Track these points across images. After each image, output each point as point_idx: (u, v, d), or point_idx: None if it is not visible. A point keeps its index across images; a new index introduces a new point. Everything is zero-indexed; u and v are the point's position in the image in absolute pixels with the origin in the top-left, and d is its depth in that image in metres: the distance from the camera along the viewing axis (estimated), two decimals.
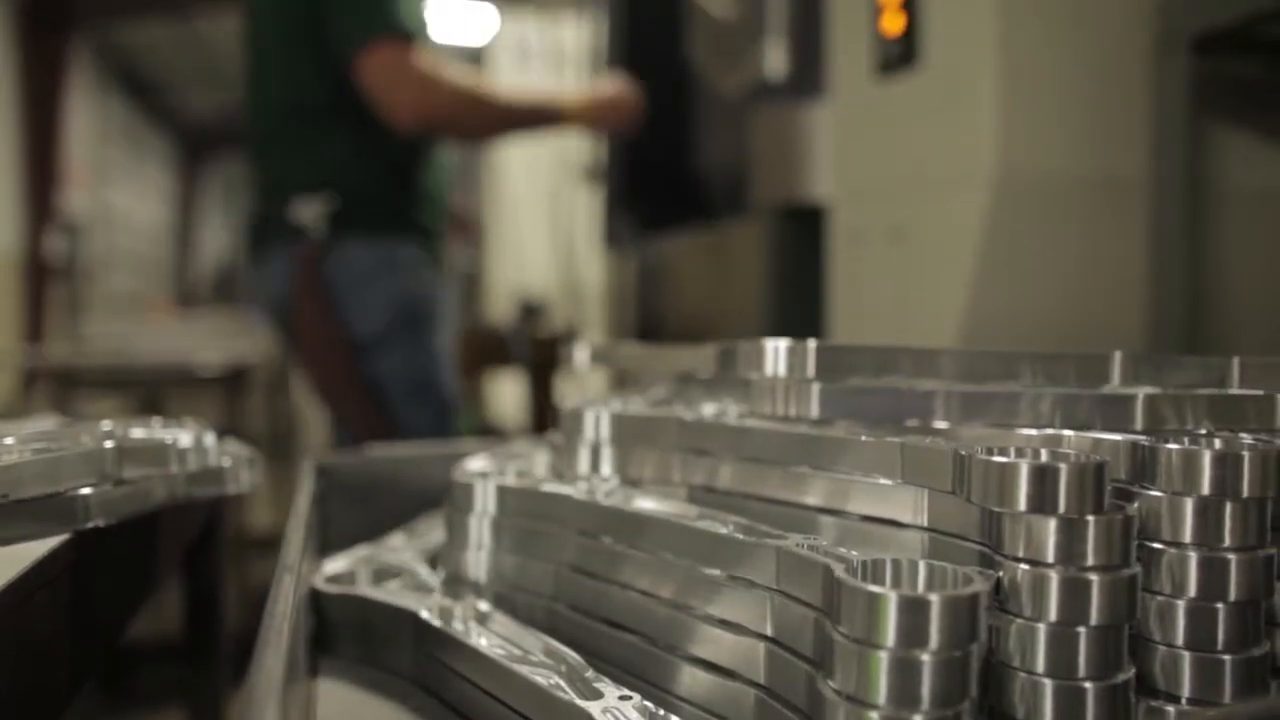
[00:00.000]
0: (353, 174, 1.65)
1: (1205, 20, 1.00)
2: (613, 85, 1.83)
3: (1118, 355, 0.53)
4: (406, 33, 1.56)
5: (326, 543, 0.72)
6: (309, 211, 1.60)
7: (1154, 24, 1.08)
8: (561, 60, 3.28)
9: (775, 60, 1.70)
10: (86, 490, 0.54)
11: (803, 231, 1.62)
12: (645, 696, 0.42)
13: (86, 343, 3.63)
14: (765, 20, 1.70)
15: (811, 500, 0.48)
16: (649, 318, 2.23)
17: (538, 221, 3.10)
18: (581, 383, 2.76)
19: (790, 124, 1.66)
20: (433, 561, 0.65)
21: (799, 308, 1.64)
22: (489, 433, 3.64)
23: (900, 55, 1.23)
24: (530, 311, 3.02)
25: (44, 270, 7.60)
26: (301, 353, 1.70)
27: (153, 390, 3.16)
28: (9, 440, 0.59)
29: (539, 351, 2.74)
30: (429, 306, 1.68)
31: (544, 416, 2.88)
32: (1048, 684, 0.36)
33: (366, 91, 1.58)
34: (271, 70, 1.68)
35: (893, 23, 1.25)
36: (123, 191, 10.59)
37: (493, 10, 3.97)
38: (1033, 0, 1.12)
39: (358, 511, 0.77)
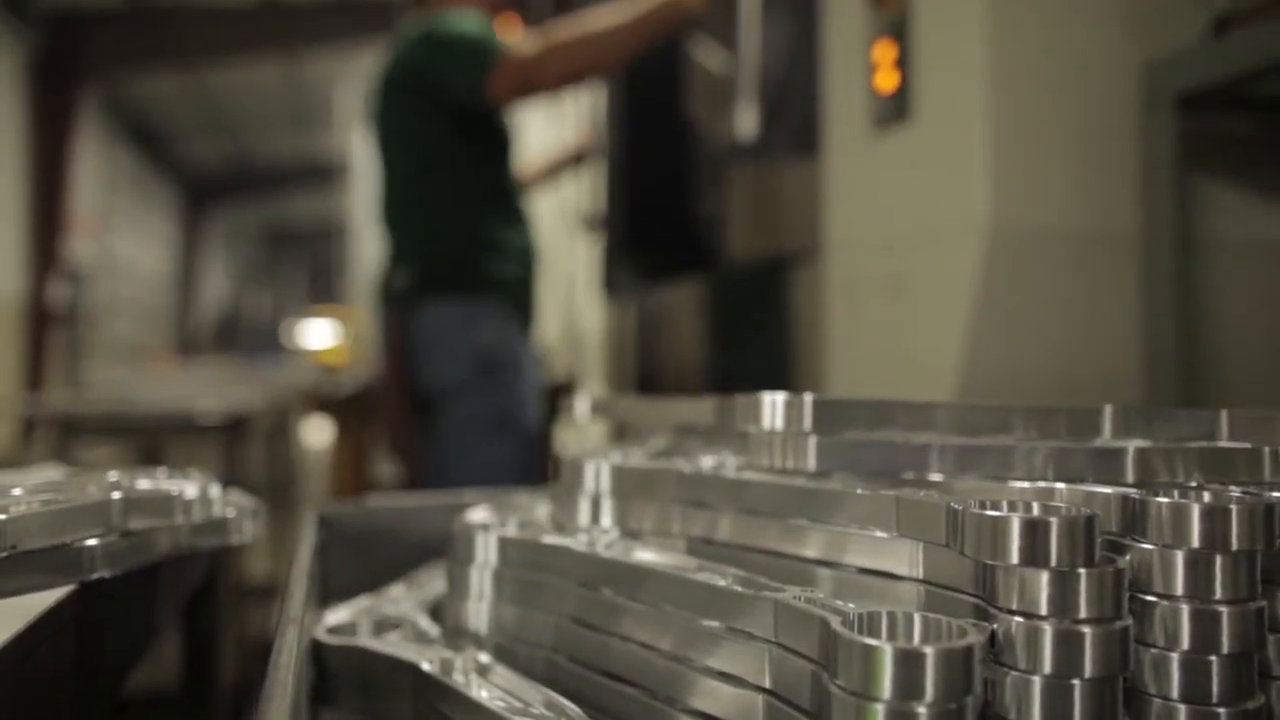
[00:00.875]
0: (436, 242, 1.90)
1: (1189, 80, 1.03)
2: None
3: (1108, 409, 0.54)
4: (503, 49, 1.77)
5: (328, 592, 0.73)
6: (400, 279, 1.88)
7: (1140, 82, 1.11)
8: (561, 116, 3.34)
9: (746, 123, 1.79)
10: (93, 541, 0.55)
11: (765, 284, 1.68)
12: None
13: (87, 390, 3.64)
14: (739, 83, 1.76)
15: (809, 552, 0.48)
16: (648, 366, 2.24)
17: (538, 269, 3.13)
18: (582, 432, 2.76)
19: (759, 182, 1.75)
20: (434, 613, 0.65)
21: (753, 358, 1.69)
22: None
23: (894, 112, 1.26)
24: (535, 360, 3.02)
25: (47, 317, 7.63)
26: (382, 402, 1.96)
27: (153, 438, 3.16)
28: (16, 491, 0.60)
29: (541, 401, 2.75)
30: (509, 355, 1.89)
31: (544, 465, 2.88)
32: None
33: (517, 96, 1.81)
34: (385, 159, 1.99)
35: (886, 80, 1.28)
36: (127, 239, 10.67)
37: None
38: (1022, 58, 1.15)
39: (359, 561, 0.78)
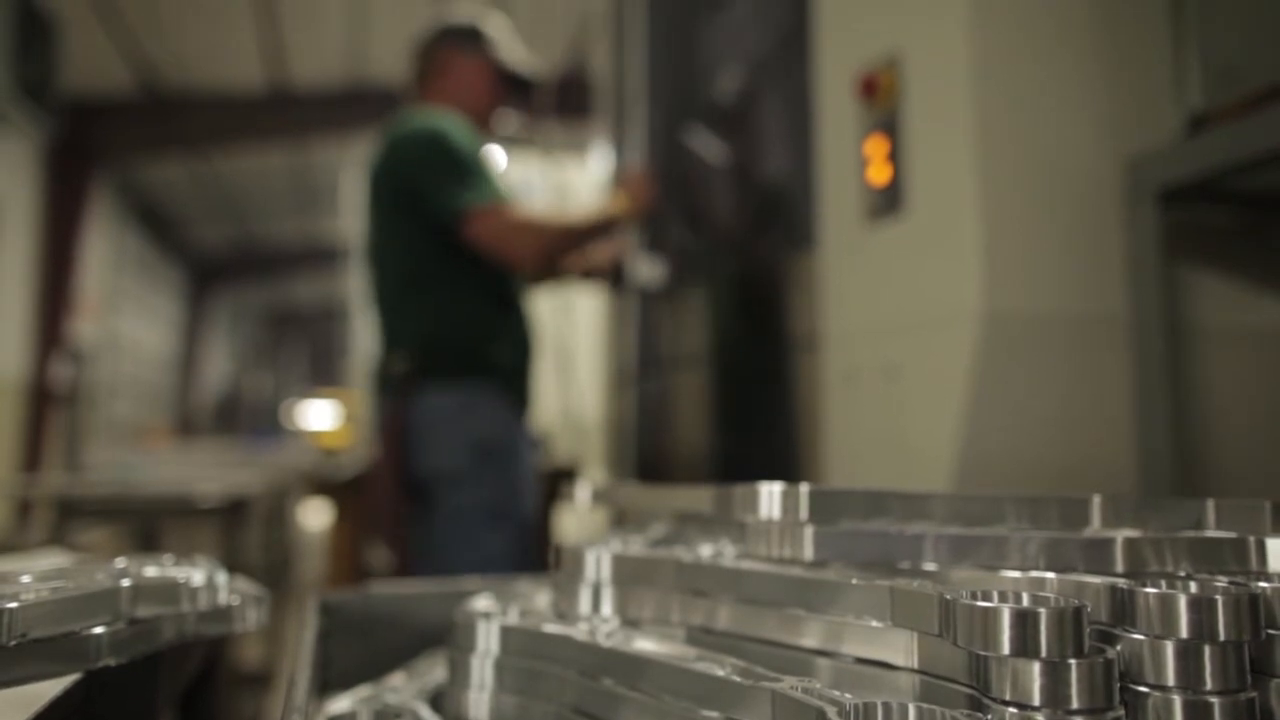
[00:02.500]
0: (433, 329, 1.91)
1: (1168, 175, 1.07)
2: (630, 179, 2.11)
3: (1096, 499, 0.55)
4: (500, 197, 1.88)
5: (328, 679, 0.73)
6: (396, 365, 1.88)
7: (1123, 177, 1.15)
8: (563, 195, 3.42)
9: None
10: (99, 630, 0.55)
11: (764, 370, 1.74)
12: None
13: (85, 471, 3.63)
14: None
15: (807, 642, 0.49)
16: (648, 450, 2.25)
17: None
18: (582, 517, 2.76)
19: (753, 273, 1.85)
20: (435, 702, 0.65)
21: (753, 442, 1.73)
22: None
23: (887, 204, 1.30)
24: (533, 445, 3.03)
25: (48, 397, 7.65)
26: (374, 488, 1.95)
27: (150, 520, 3.15)
28: (25, 578, 0.60)
29: (541, 485, 2.75)
30: (505, 444, 1.89)
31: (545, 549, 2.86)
32: None
33: (482, 249, 1.86)
34: (377, 247, 2.01)
35: (879, 174, 1.32)
36: (131, 319, 10.77)
37: (499, 150, 4.15)
38: (1009, 152, 1.19)
39: (360, 648, 0.78)
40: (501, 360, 1.93)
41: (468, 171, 1.87)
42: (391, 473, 1.86)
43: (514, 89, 2.14)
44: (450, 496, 1.83)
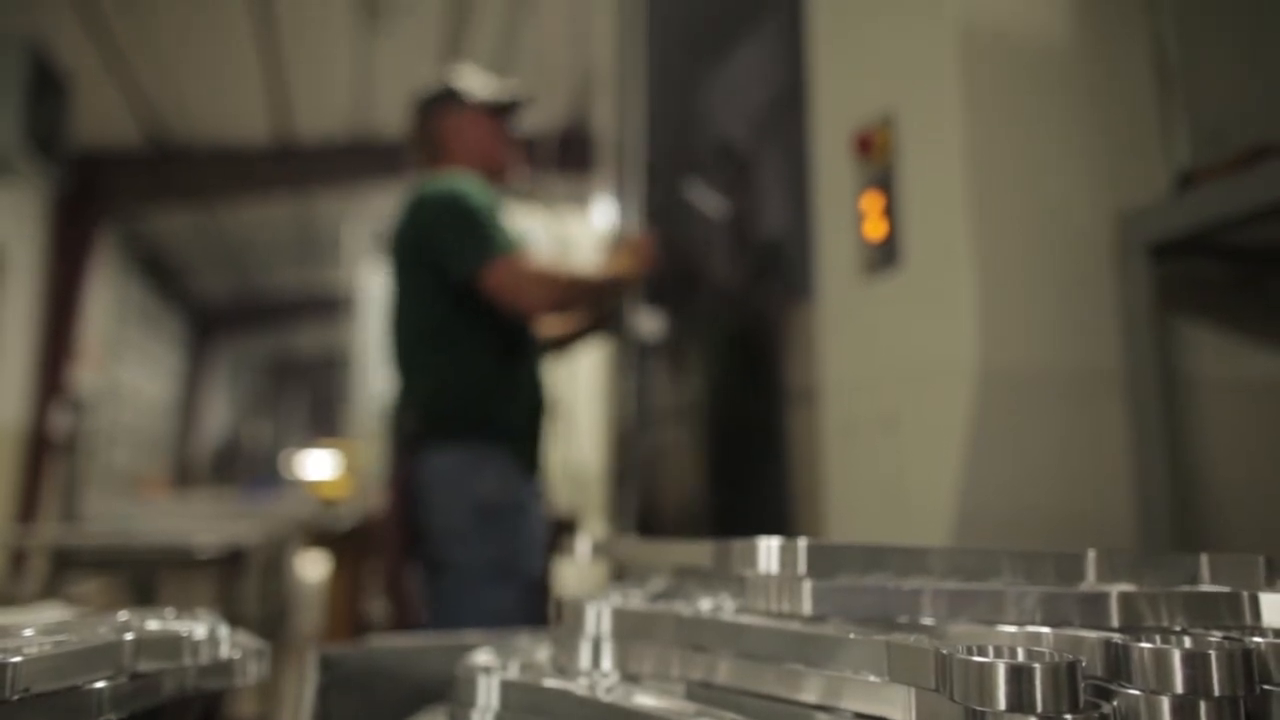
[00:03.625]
0: (444, 388, 1.94)
1: (1159, 231, 1.09)
2: (632, 241, 2.14)
3: (1091, 554, 0.56)
4: (513, 247, 1.91)
5: None
6: (409, 422, 1.92)
7: (1115, 232, 1.17)
8: (565, 247, 3.45)
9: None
10: (101, 684, 0.55)
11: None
12: None
13: (82, 521, 3.62)
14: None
15: (806, 697, 0.49)
16: (648, 502, 2.25)
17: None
18: (582, 569, 2.74)
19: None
20: None
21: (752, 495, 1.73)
22: None
23: (883, 258, 1.32)
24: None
25: (46, 445, 7.63)
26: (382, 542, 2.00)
27: (147, 571, 3.12)
28: (28, 632, 0.61)
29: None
30: (512, 504, 1.90)
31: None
32: None
33: (499, 299, 1.90)
34: (397, 306, 2.06)
35: (875, 228, 1.34)
36: (132, 368, 10.78)
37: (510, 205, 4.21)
38: (1003, 208, 1.22)
39: (359, 702, 0.77)
40: (510, 420, 1.96)
41: (485, 226, 1.91)
42: (398, 528, 1.89)
43: (505, 116, 2.18)
44: (456, 555, 1.85)
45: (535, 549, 1.93)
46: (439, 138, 2.15)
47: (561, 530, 2.74)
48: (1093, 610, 0.51)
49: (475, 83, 2.18)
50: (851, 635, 0.48)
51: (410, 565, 1.91)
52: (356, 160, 7.92)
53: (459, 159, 2.12)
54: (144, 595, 3.67)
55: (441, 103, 2.17)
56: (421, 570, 1.91)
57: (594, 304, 2.13)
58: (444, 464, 1.88)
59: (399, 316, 2.06)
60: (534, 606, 1.86)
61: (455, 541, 1.85)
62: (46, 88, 5.32)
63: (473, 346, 1.96)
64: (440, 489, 1.87)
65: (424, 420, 1.92)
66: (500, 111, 2.16)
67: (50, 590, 2.84)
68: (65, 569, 2.89)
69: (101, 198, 8.00)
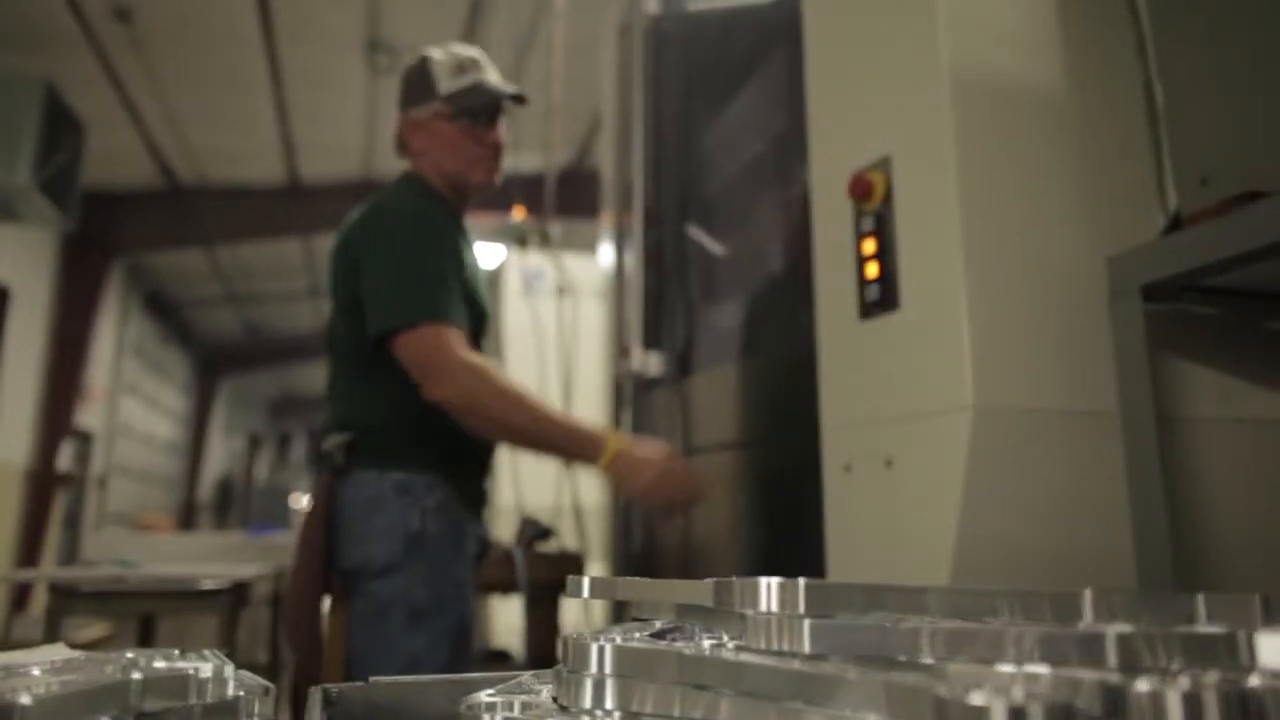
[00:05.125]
0: (372, 410, 1.72)
1: (1150, 273, 1.11)
2: (659, 452, 1.70)
3: (1088, 594, 0.56)
4: (447, 318, 1.63)
5: None
6: (332, 444, 1.70)
7: (1107, 274, 1.19)
8: (568, 289, 3.48)
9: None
10: None
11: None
12: None
13: (86, 559, 3.62)
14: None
15: None
16: (647, 541, 2.25)
17: None
18: (586, 606, 2.73)
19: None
20: None
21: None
22: (494, 657, 3.53)
23: (879, 300, 1.34)
24: (535, 534, 3.01)
25: (50, 485, 7.63)
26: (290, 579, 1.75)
27: (150, 609, 3.11)
28: (35, 671, 0.61)
29: (543, 574, 2.74)
30: (442, 536, 1.67)
31: (547, 642, 2.81)
32: None
33: (406, 366, 1.63)
34: (330, 324, 1.83)
35: (872, 271, 1.36)
36: (137, 407, 10.81)
37: (500, 247, 4.26)
38: (995, 250, 1.24)
39: None
40: (450, 446, 1.72)
41: (415, 292, 1.63)
42: (312, 561, 1.66)
43: (485, 114, 1.81)
44: (377, 590, 1.63)
45: (466, 590, 1.70)
46: (401, 130, 1.86)
47: (563, 567, 2.72)
48: (1090, 650, 0.51)
49: (451, 68, 1.81)
50: (851, 675, 0.48)
51: (320, 606, 1.67)
52: (364, 198, 8.00)
53: (420, 162, 1.83)
54: (147, 632, 3.66)
55: (411, 87, 1.84)
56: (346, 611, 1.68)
57: (538, 449, 1.74)
58: (372, 489, 1.66)
59: (331, 334, 1.81)
60: (460, 657, 1.66)
61: (377, 574, 1.63)
62: (60, 131, 5.40)
63: (394, 373, 1.68)
64: (364, 515, 1.65)
65: (351, 441, 1.69)
66: (478, 108, 1.80)
67: (54, 625, 2.83)
68: (69, 605, 2.88)
69: (110, 237, 8.09)
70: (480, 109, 1.80)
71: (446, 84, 1.80)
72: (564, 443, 1.68)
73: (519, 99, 1.84)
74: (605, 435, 1.68)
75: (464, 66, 1.82)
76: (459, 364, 1.61)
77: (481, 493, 1.82)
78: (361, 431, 1.70)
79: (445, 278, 1.68)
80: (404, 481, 1.66)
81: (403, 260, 1.67)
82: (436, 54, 1.84)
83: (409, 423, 1.70)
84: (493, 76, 1.84)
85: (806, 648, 0.53)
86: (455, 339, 1.63)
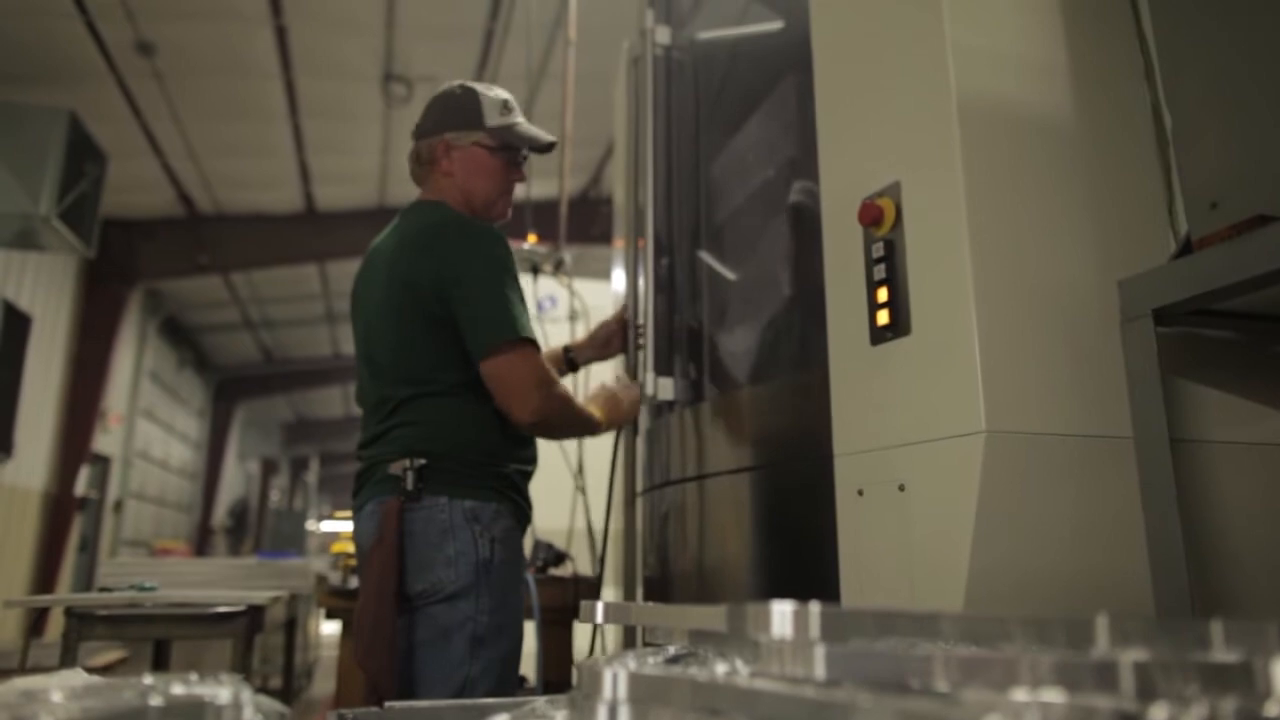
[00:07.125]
0: (440, 436, 1.77)
1: (1161, 296, 1.11)
2: (622, 388, 2.11)
3: (1101, 620, 0.56)
4: (532, 340, 1.76)
5: None
6: (401, 469, 1.74)
7: (1117, 298, 1.19)
8: (581, 314, 3.50)
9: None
10: None
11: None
12: None
13: (102, 583, 3.63)
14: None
15: None
16: (662, 563, 2.24)
17: (549, 463, 3.16)
18: (599, 631, 2.72)
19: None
20: None
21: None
22: None
23: (890, 325, 1.34)
24: (548, 558, 3.01)
25: (69, 507, 7.68)
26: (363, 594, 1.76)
27: (165, 633, 3.12)
28: (56, 696, 0.62)
29: (556, 598, 2.74)
30: (505, 564, 1.75)
31: (561, 667, 2.81)
32: None
33: (494, 386, 1.75)
34: (383, 336, 1.84)
35: (882, 297, 1.37)
36: (154, 431, 10.88)
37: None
38: (1005, 276, 1.24)
39: None
40: (512, 473, 1.81)
41: (509, 318, 1.74)
42: (385, 586, 1.69)
43: (518, 155, 1.96)
44: (444, 614, 1.68)
45: (517, 619, 1.78)
46: (434, 149, 1.92)
47: (577, 591, 2.72)
48: (1105, 677, 0.51)
49: (496, 105, 1.94)
50: (864, 701, 0.48)
51: (395, 629, 1.70)
52: (379, 224, 8.07)
53: (443, 183, 1.92)
54: (162, 656, 3.66)
55: (453, 113, 1.93)
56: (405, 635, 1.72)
57: (583, 435, 2.06)
58: (444, 516, 1.71)
59: (384, 346, 1.83)
60: (506, 677, 1.72)
61: (447, 598, 1.68)
62: (82, 160, 5.48)
63: (472, 394, 1.77)
64: (434, 541, 1.70)
65: (424, 469, 1.73)
66: (517, 147, 1.94)
67: (70, 648, 2.84)
68: (85, 628, 2.89)
69: (128, 265, 8.19)
70: (518, 148, 1.96)
71: (493, 118, 1.93)
72: (596, 429, 1.96)
73: (550, 148, 2.00)
74: (601, 411, 1.97)
75: (508, 107, 1.97)
76: (550, 385, 1.77)
77: (530, 519, 1.90)
78: (434, 457, 1.75)
79: (524, 299, 1.81)
80: (474, 509, 1.74)
81: (503, 280, 1.77)
82: (480, 88, 1.96)
83: (483, 451, 1.79)
84: (524, 122, 1.99)
85: (820, 674, 0.53)
86: (545, 361, 1.79)
